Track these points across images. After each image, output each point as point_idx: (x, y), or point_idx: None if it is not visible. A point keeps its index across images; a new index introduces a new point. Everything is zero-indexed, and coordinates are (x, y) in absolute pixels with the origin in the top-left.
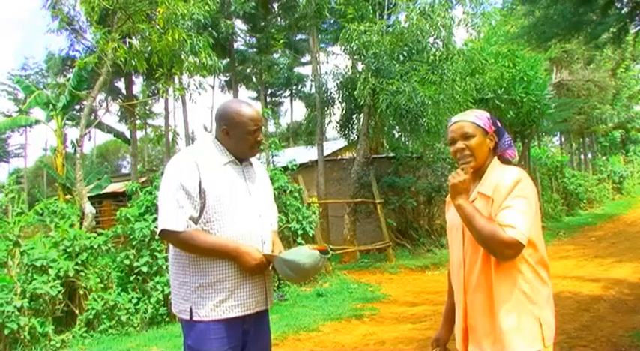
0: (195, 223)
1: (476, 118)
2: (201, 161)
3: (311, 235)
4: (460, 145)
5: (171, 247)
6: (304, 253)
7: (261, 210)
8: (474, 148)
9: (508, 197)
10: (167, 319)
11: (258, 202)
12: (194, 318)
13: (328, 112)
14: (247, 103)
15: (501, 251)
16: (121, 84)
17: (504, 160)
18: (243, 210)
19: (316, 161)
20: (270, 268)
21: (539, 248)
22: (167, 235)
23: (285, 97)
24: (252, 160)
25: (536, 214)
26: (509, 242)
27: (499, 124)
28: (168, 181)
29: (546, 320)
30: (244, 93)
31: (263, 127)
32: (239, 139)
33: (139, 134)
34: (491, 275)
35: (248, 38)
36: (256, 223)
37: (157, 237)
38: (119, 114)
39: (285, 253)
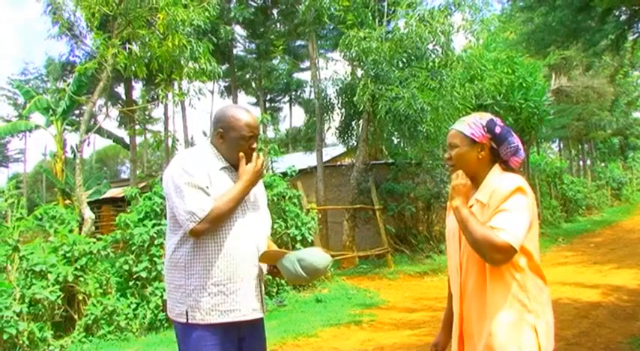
0: None
1: (467, 126)
2: (200, 164)
3: (310, 241)
4: (447, 153)
5: (167, 250)
6: (319, 255)
7: (256, 216)
8: (454, 158)
9: (505, 202)
10: (166, 324)
11: (252, 209)
12: (190, 321)
13: (327, 118)
14: (246, 109)
15: (492, 255)
16: (120, 89)
17: (509, 167)
18: (237, 217)
19: (315, 167)
20: (266, 269)
21: (535, 258)
22: (199, 226)
23: (284, 102)
24: None
25: (533, 223)
26: (499, 245)
27: (499, 129)
28: (179, 180)
29: (542, 329)
30: (243, 99)
31: (262, 133)
32: (232, 144)
33: (139, 139)
34: (487, 282)
35: (247, 44)
36: (250, 229)
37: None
38: (119, 119)
39: (300, 252)
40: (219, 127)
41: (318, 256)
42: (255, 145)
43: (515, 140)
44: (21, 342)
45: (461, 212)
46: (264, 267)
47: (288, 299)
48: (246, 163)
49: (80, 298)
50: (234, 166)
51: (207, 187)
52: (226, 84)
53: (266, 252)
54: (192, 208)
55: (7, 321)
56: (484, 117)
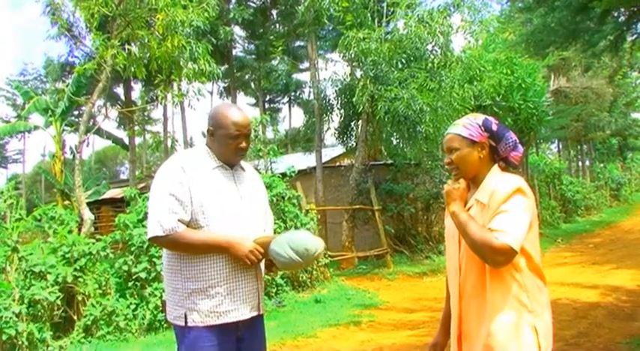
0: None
1: (463, 128)
2: (188, 166)
3: None
4: (446, 158)
5: (164, 253)
6: (309, 237)
7: (253, 213)
8: (456, 162)
9: (504, 203)
10: (165, 325)
11: (249, 206)
12: (189, 324)
13: (327, 118)
14: (238, 108)
15: (492, 258)
16: (119, 90)
17: (509, 163)
18: (232, 214)
19: (314, 168)
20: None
21: (534, 259)
22: (158, 240)
23: (283, 103)
24: (245, 165)
25: (533, 224)
26: (499, 248)
27: (495, 127)
28: (157, 188)
29: (542, 329)
30: (243, 99)
31: (261, 134)
32: (221, 142)
33: (138, 140)
34: (486, 282)
35: (247, 45)
36: (246, 226)
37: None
38: (118, 120)
39: (288, 234)
40: (210, 126)
41: (308, 238)
42: (243, 145)
43: (513, 135)
44: (20, 343)
45: (459, 217)
46: (262, 265)
47: (287, 300)
48: (237, 157)
49: (79, 298)
50: (228, 165)
51: (187, 201)
52: (225, 85)
53: (254, 240)
54: (162, 221)
55: (6, 322)
56: (478, 117)
